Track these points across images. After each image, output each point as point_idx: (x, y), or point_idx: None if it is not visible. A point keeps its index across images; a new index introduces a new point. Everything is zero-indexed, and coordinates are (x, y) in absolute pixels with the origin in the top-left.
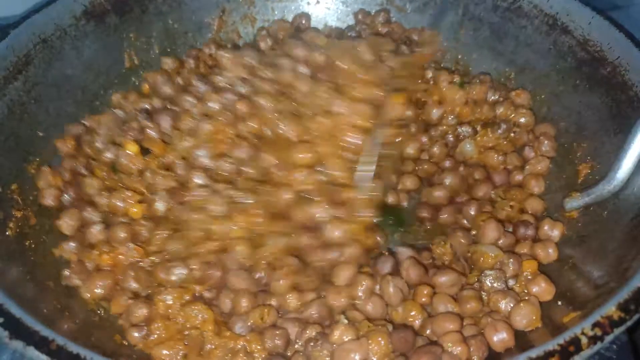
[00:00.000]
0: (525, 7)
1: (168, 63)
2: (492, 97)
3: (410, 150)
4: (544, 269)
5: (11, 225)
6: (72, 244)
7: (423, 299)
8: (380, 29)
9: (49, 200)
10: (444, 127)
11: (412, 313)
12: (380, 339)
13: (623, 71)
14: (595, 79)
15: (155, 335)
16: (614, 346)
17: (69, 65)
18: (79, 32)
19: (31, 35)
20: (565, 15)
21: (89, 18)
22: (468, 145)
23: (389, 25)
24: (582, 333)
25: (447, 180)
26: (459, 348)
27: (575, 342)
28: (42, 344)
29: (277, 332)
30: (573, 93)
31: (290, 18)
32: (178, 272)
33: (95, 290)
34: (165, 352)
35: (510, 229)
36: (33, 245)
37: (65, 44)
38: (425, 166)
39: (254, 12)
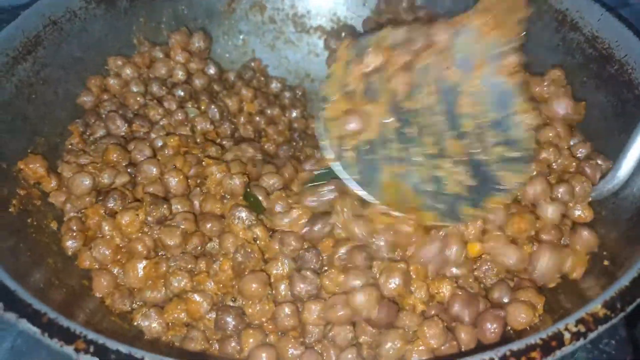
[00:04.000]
0: (535, 2)
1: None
2: None
3: None
4: None
5: (14, 202)
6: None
7: None
8: (404, 17)
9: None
10: None
11: None
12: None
13: (630, 70)
14: (602, 77)
15: None
16: (613, 341)
17: (78, 47)
18: (89, 14)
19: (41, 17)
20: (575, 11)
21: (99, 1)
22: None
23: (414, 13)
24: (566, 329)
25: None
26: None
27: (558, 337)
28: (34, 316)
29: None
30: (579, 90)
31: (300, 6)
32: None
33: None
34: None
35: None
36: (35, 223)
37: (75, 27)
38: None
39: (263, 0)
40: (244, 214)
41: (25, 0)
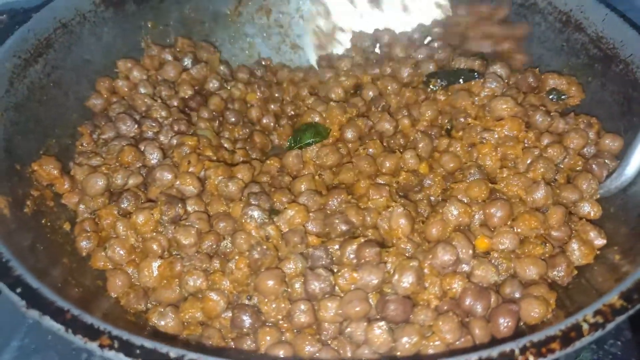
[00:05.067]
0: (539, 3)
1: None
2: None
3: None
4: None
5: (29, 203)
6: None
7: None
8: None
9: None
10: None
11: None
12: None
13: (635, 69)
14: (607, 76)
15: None
16: (619, 342)
17: (87, 50)
18: (98, 18)
19: (52, 20)
20: (579, 12)
21: (108, 4)
22: None
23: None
24: (584, 320)
25: None
26: None
27: (577, 329)
28: (57, 313)
29: None
30: (585, 90)
31: (305, 10)
32: None
33: None
34: None
35: None
36: (49, 224)
37: (84, 29)
38: None
39: (269, 4)
40: (256, 212)
41: (36, 2)
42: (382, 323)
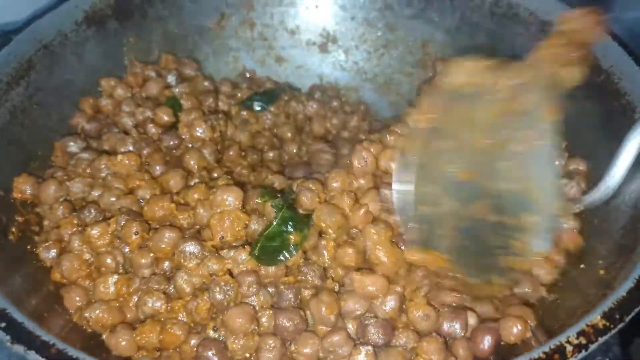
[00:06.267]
0: (521, 14)
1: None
2: None
3: None
4: None
5: (13, 230)
6: None
7: None
8: None
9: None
10: None
11: None
12: None
13: (616, 79)
14: (589, 86)
15: None
16: (607, 358)
17: (70, 70)
18: (80, 37)
19: (33, 41)
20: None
21: (90, 23)
22: None
23: None
24: (567, 341)
25: None
26: None
27: (561, 350)
28: (42, 348)
29: None
30: (568, 100)
31: (289, 23)
32: None
33: None
34: None
35: None
36: (35, 250)
37: (66, 50)
38: None
39: (253, 17)
40: (192, 247)
41: (17, 25)
42: (369, 347)
